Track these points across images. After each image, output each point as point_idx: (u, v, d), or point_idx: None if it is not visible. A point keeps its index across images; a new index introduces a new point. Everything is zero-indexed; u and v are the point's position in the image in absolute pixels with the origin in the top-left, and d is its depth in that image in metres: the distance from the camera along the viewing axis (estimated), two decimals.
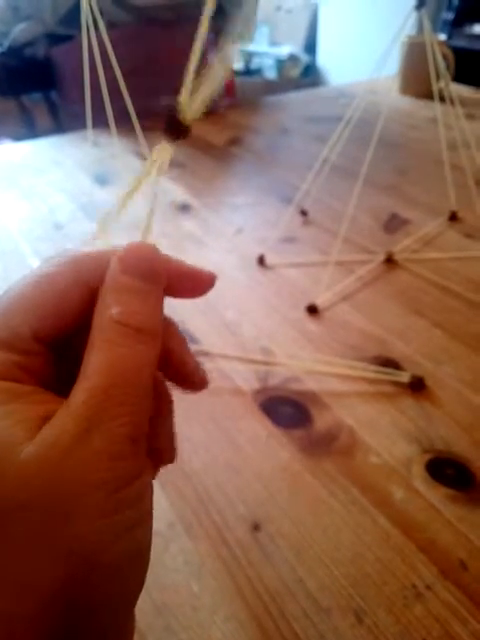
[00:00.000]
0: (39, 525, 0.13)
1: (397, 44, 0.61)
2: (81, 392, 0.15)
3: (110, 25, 1.13)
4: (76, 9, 1.18)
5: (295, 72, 2.88)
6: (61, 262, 0.18)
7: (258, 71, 2.91)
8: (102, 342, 0.15)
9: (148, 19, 1.09)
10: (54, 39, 1.13)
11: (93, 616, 0.14)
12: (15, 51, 1.16)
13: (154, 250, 0.17)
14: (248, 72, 2.91)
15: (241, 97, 1.95)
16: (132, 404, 0.15)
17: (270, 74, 2.89)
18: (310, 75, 2.95)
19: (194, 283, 0.19)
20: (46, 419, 0.14)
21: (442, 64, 0.77)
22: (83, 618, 0.14)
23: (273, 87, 2.75)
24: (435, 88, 0.65)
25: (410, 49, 1.15)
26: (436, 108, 0.62)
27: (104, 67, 0.85)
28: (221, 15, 1.23)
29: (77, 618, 0.14)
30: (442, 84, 1.16)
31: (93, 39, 0.83)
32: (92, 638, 0.14)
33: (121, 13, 1.09)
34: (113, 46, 1.04)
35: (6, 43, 1.16)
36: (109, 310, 0.16)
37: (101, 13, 1.15)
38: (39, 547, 0.13)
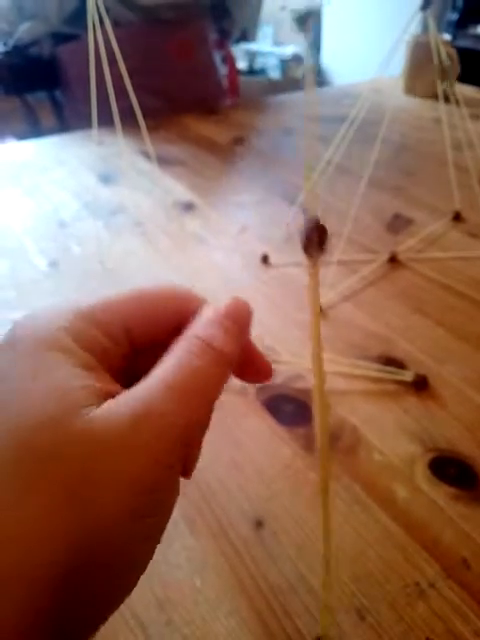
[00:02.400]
0: (65, 486, 0.13)
1: (402, 44, 0.61)
2: (149, 381, 0.16)
3: (115, 24, 1.13)
4: (81, 8, 1.19)
5: (299, 72, 2.88)
6: (163, 286, 0.20)
7: (262, 71, 2.91)
8: (182, 351, 0.17)
9: (152, 18, 1.09)
10: (59, 38, 1.13)
11: (78, 605, 0.14)
12: (20, 50, 1.16)
13: (251, 310, 0.20)
14: (252, 72, 2.91)
15: (245, 96, 1.96)
16: (190, 409, 0.16)
17: (274, 74, 2.89)
18: (315, 75, 2.95)
19: (257, 368, 0.21)
20: (108, 395, 0.15)
21: (447, 64, 0.77)
22: (70, 603, 0.14)
23: (277, 87, 2.76)
24: (439, 88, 0.65)
25: (415, 49, 1.15)
26: (440, 108, 0.62)
27: (109, 66, 0.85)
28: (225, 15, 1.23)
29: (67, 602, 0.14)
30: (446, 84, 1.16)
31: (99, 38, 0.83)
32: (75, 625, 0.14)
33: (126, 12, 1.09)
34: (118, 45, 1.04)
35: (11, 42, 1.16)
36: (197, 333, 0.17)
37: (107, 12, 1.15)
38: (56, 509, 0.13)
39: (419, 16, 0.58)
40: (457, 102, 0.64)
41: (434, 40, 0.53)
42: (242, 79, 2.68)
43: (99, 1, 0.65)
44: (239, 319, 0.19)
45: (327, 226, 0.16)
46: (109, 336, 0.17)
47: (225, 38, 1.25)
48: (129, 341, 0.18)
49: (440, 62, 0.62)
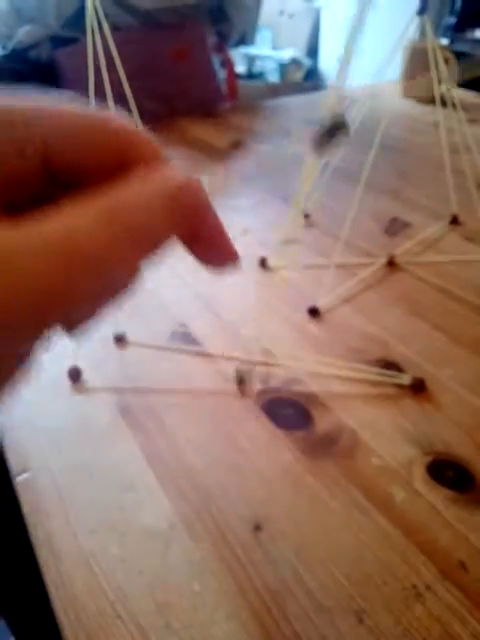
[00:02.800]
0: None
1: (399, 48, 0.61)
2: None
3: (114, 28, 1.13)
4: (80, 12, 1.19)
5: (297, 76, 2.88)
6: (111, 119, 0.15)
7: (261, 74, 2.92)
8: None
9: (151, 22, 1.09)
10: (58, 42, 1.13)
11: None
12: (19, 53, 1.16)
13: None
14: (251, 75, 2.92)
15: (244, 100, 1.96)
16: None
17: (273, 77, 2.89)
18: (312, 79, 2.96)
19: (218, 250, 0.17)
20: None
21: (444, 69, 0.77)
22: None
23: (275, 90, 2.76)
24: (437, 92, 0.65)
25: (412, 53, 1.16)
26: (438, 112, 0.62)
27: (108, 70, 0.86)
28: (224, 19, 1.23)
29: None
30: (444, 88, 1.16)
31: (97, 42, 0.83)
32: None
33: (125, 16, 1.10)
34: (117, 49, 1.05)
35: (10, 45, 1.17)
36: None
37: (105, 16, 1.15)
38: None
39: (416, 21, 0.58)
40: (454, 106, 0.64)
41: (431, 45, 0.54)
42: (241, 83, 2.68)
43: (97, 5, 0.65)
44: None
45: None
46: (19, 149, 0.14)
47: (224, 42, 1.25)
48: (44, 162, 0.14)
49: (437, 67, 0.62)
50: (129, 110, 0.90)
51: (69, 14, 1.11)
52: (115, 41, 1.05)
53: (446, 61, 1.13)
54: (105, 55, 0.88)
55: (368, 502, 0.33)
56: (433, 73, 0.62)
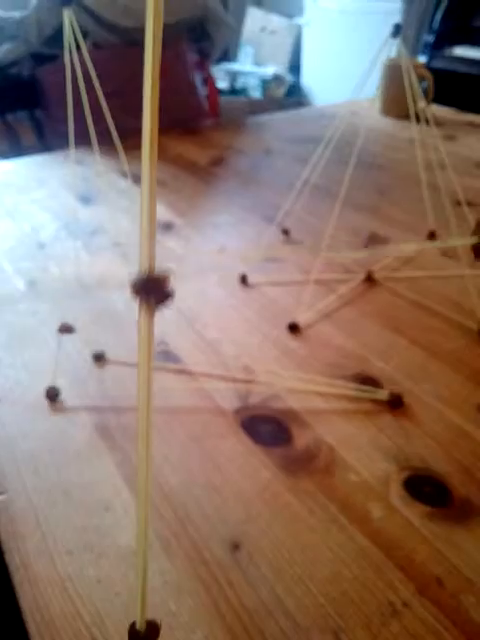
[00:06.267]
0: None
1: (377, 66, 0.62)
2: None
3: (95, 46, 1.15)
4: (60, 30, 1.20)
5: (280, 92, 2.92)
6: None
7: (243, 90, 2.95)
8: None
9: (132, 40, 1.10)
10: (39, 59, 1.14)
11: None
12: (0, 70, 1.16)
13: None
14: (233, 91, 2.95)
15: (226, 116, 1.98)
16: None
17: (255, 93, 2.93)
18: (294, 94, 3.00)
19: None
20: None
21: (418, 87, 0.79)
22: None
23: (258, 106, 2.79)
24: (412, 111, 0.66)
25: (390, 71, 1.18)
26: (413, 129, 0.63)
27: (88, 87, 0.86)
28: (204, 37, 1.25)
29: None
30: (421, 105, 1.19)
31: (76, 60, 0.84)
32: None
33: (105, 34, 1.11)
34: (97, 66, 1.05)
35: None
36: None
37: (86, 34, 1.17)
38: None
39: (391, 43, 0.60)
40: (427, 122, 0.66)
41: (405, 66, 0.55)
42: (224, 98, 2.71)
43: (75, 23, 0.65)
44: None
45: (167, 282, 0.16)
46: None
47: (205, 59, 1.26)
48: None
49: (412, 87, 0.64)
50: (108, 126, 0.90)
51: (49, 32, 1.12)
52: (96, 59, 1.06)
53: (423, 79, 1.15)
54: (84, 72, 0.89)
55: (346, 519, 0.33)
56: (408, 93, 0.63)
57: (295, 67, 3.03)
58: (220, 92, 2.71)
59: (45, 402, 0.42)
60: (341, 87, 2.77)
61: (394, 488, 0.35)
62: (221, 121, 1.23)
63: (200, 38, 1.24)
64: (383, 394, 0.41)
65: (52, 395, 0.42)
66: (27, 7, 1.12)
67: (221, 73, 2.93)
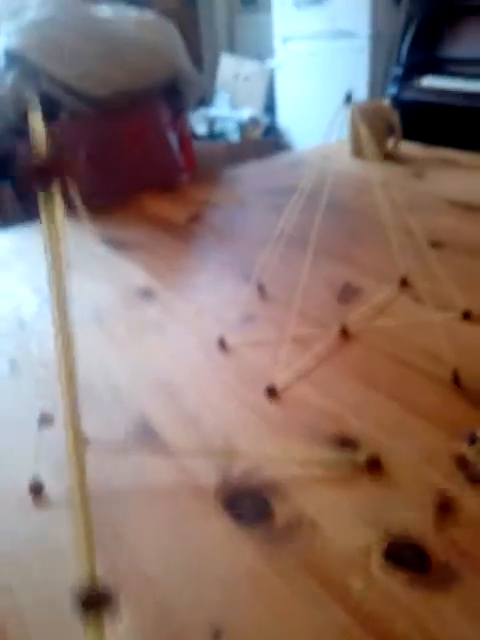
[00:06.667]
0: None
1: (343, 114, 0.64)
2: None
3: (71, 115, 1.18)
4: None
5: (257, 133, 2.99)
6: None
7: (222, 134, 3.02)
8: None
9: (106, 108, 1.14)
10: (18, 132, 1.18)
11: None
12: None
13: None
14: (212, 136, 3.02)
15: (205, 162, 2.02)
16: None
17: (233, 136, 3.00)
18: (271, 135, 3.07)
19: None
20: None
21: (392, 128, 0.81)
22: None
23: (236, 149, 2.86)
24: (375, 155, 0.66)
25: (360, 114, 1.21)
26: (376, 174, 0.65)
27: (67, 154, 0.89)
28: (177, 96, 1.29)
29: None
30: (390, 146, 1.22)
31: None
32: None
33: (81, 104, 1.14)
34: (73, 135, 1.10)
35: None
36: None
37: (60, 105, 1.20)
38: None
39: (345, 108, 0.62)
40: (396, 161, 0.67)
41: (364, 134, 0.57)
42: (203, 144, 2.78)
43: (34, 108, 0.68)
44: None
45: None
46: None
47: (178, 117, 1.31)
48: None
49: (367, 146, 0.65)
50: (88, 192, 0.93)
51: (26, 107, 1.15)
52: (71, 128, 1.11)
53: (389, 120, 1.19)
54: (60, 142, 0.92)
55: (328, 595, 0.33)
56: (367, 151, 0.65)
57: (270, 108, 3.12)
58: (198, 138, 2.78)
59: (29, 497, 0.42)
60: (315, 124, 2.84)
61: (375, 558, 0.35)
62: (198, 174, 1.27)
63: (172, 97, 1.28)
64: (361, 456, 0.42)
65: (36, 489, 0.43)
66: (2, 86, 1.16)
67: (200, 118, 3.01)
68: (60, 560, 0.37)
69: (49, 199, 0.18)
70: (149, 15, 1.36)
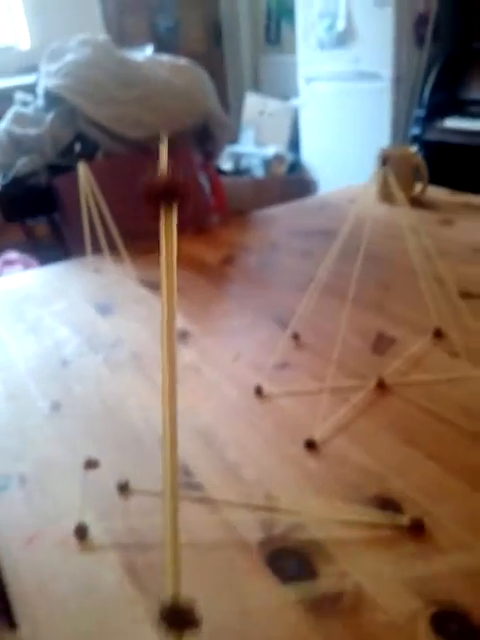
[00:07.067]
0: None
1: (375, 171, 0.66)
2: None
3: (106, 155, 1.22)
4: (73, 143, 1.28)
5: (281, 169, 3.04)
6: None
7: (247, 170, 3.08)
8: None
9: (140, 149, 1.18)
10: (54, 169, 1.22)
11: None
12: (19, 181, 1.24)
13: None
14: (238, 172, 3.08)
15: (233, 197, 2.06)
16: None
17: (258, 172, 3.05)
18: (296, 171, 3.12)
19: None
20: None
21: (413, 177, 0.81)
22: None
23: (262, 184, 2.91)
24: (401, 199, 0.67)
25: (387, 160, 1.24)
26: (408, 218, 0.66)
27: (103, 195, 0.92)
28: (208, 138, 1.33)
29: None
30: (417, 191, 1.24)
31: (90, 177, 0.90)
32: None
33: (116, 145, 1.18)
34: (109, 174, 1.13)
35: (10, 174, 1.25)
36: None
37: (97, 146, 1.25)
38: None
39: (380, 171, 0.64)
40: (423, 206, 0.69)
41: (394, 188, 0.58)
42: (229, 179, 2.84)
43: (91, 177, 0.72)
44: None
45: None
46: None
47: (209, 159, 1.34)
48: None
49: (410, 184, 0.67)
50: (127, 231, 0.96)
51: (63, 145, 1.20)
52: (107, 168, 1.14)
53: (417, 167, 1.21)
54: (99, 182, 0.95)
55: None
56: (397, 198, 0.66)
57: (294, 145, 3.17)
58: (224, 173, 2.84)
59: (74, 542, 0.43)
60: (339, 161, 2.88)
61: (421, 627, 0.35)
62: (228, 216, 1.29)
63: (203, 139, 1.32)
64: (404, 519, 0.42)
65: (81, 533, 0.44)
66: (42, 124, 1.20)
67: (226, 155, 3.08)
68: (103, 601, 0.38)
69: (170, 217, 0.20)
70: (181, 61, 1.41)
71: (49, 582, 0.41)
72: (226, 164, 2.99)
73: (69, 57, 1.30)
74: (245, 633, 0.36)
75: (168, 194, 0.19)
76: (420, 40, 2.67)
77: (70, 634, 0.37)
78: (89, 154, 1.23)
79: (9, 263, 1.46)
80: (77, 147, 0.60)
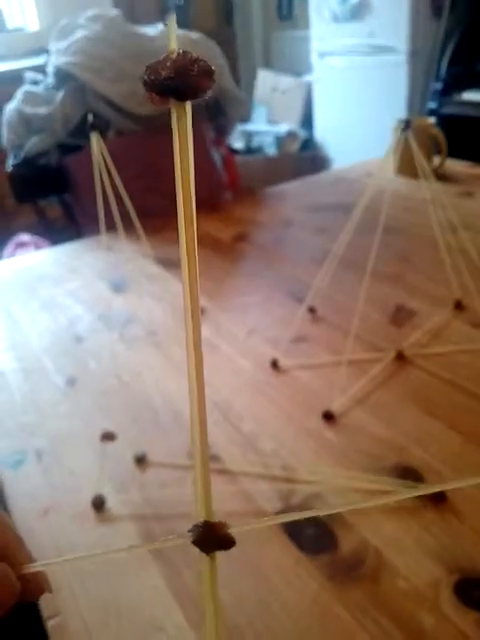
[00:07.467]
0: None
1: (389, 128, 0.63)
2: None
3: (118, 133, 1.21)
4: (84, 122, 1.27)
5: (294, 147, 3.00)
6: None
7: (259, 149, 3.04)
8: None
9: (151, 125, 1.16)
10: (65, 149, 1.21)
11: None
12: (30, 161, 1.23)
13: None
14: (250, 151, 3.04)
15: (245, 175, 2.04)
16: None
17: (270, 150, 3.01)
18: (309, 148, 3.08)
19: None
20: None
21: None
22: None
23: (274, 163, 2.87)
24: (423, 172, 0.65)
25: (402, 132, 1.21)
26: (426, 191, 0.64)
27: (113, 173, 0.91)
28: (221, 114, 1.31)
29: None
30: (436, 164, 1.21)
31: (103, 149, 0.89)
32: None
33: (127, 122, 1.17)
34: (121, 152, 1.12)
35: (22, 154, 1.24)
36: None
37: (109, 123, 1.23)
38: None
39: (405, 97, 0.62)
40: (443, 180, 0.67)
41: (418, 158, 0.57)
42: (241, 158, 2.80)
43: (102, 144, 0.71)
44: None
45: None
46: None
47: (222, 135, 1.32)
48: None
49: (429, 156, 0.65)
50: (138, 208, 0.95)
51: (74, 124, 1.18)
52: (118, 146, 1.13)
53: (435, 139, 1.18)
54: (111, 159, 0.94)
55: (398, 630, 0.33)
56: (420, 170, 0.64)
57: (307, 122, 3.12)
58: (236, 152, 2.81)
59: (92, 513, 0.43)
60: (353, 138, 2.83)
61: (444, 594, 0.35)
62: (242, 192, 1.28)
63: (216, 116, 1.30)
64: (425, 487, 0.41)
65: (98, 504, 0.44)
66: (52, 103, 1.19)
67: (237, 134, 3.04)
68: (120, 573, 0.38)
69: (182, 112, 0.16)
70: (194, 35, 1.38)
71: (66, 552, 0.40)
72: (237, 143, 2.95)
73: (79, 34, 1.28)
74: (265, 602, 0.36)
75: (178, 86, 0.15)
76: (437, 11, 2.59)
77: (89, 604, 0.37)
78: (100, 131, 1.22)
79: (22, 245, 1.46)
80: (90, 118, 0.58)
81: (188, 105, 0.17)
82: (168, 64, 0.16)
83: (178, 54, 0.16)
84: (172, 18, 0.16)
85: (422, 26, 2.61)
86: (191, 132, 0.17)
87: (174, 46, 0.16)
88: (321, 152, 3.03)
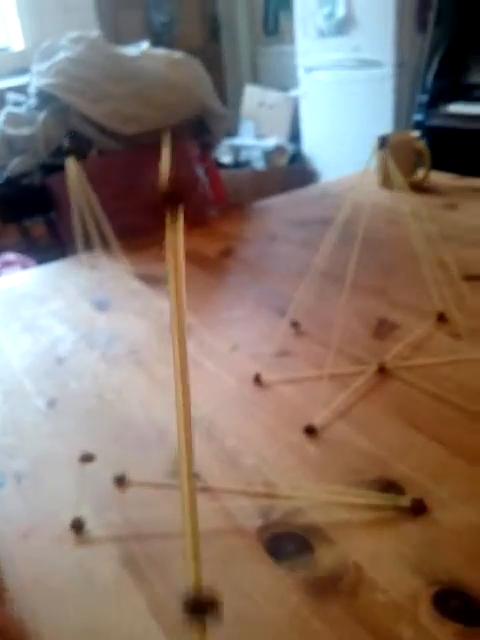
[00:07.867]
0: None
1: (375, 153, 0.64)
2: None
3: (100, 153, 1.22)
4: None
5: (282, 161, 3.03)
6: None
7: (247, 163, 3.07)
8: None
9: (135, 145, 1.17)
10: (48, 169, 1.21)
11: None
12: (13, 181, 1.24)
13: None
14: (237, 165, 3.07)
15: (233, 190, 2.05)
16: None
17: (258, 164, 3.04)
18: (297, 162, 3.11)
19: None
20: None
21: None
22: None
23: (262, 177, 2.90)
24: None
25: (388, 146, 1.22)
26: (407, 203, 0.65)
27: (95, 191, 0.92)
28: (205, 131, 1.32)
29: None
30: (420, 176, 1.22)
31: (80, 172, 0.90)
32: None
33: (110, 142, 1.18)
34: (103, 172, 1.13)
35: (4, 174, 1.25)
36: None
37: (91, 143, 1.24)
38: None
39: (391, 118, 0.63)
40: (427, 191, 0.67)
41: (391, 167, 0.58)
42: (229, 172, 2.83)
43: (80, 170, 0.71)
44: None
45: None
46: None
47: (207, 152, 1.33)
48: None
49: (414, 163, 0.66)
50: (122, 226, 0.95)
51: (56, 144, 1.19)
52: (100, 164, 1.14)
53: (419, 152, 1.19)
54: (91, 179, 0.95)
55: None
56: (395, 182, 0.65)
57: (295, 136, 3.16)
58: (224, 166, 2.82)
59: (71, 535, 0.43)
60: (341, 151, 2.86)
61: (423, 606, 0.35)
62: (226, 207, 1.28)
63: (200, 132, 1.31)
64: (405, 501, 0.42)
65: (77, 526, 0.43)
66: (34, 124, 1.20)
67: (225, 148, 3.07)
68: (101, 593, 0.38)
69: (176, 222, 0.19)
70: (177, 54, 1.40)
71: (46, 575, 0.40)
72: (225, 157, 2.98)
73: (60, 55, 1.29)
74: (245, 617, 0.35)
75: (173, 198, 0.18)
76: (422, 25, 2.63)
77: (69, 626, 0.37)
78: (82, 152, 1.23)
79: (8, 264, 1.46)
80: (65, 142, 0.59)
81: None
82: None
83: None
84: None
85: (408, 40, 2.65)
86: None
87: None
88: (310, 166, 3.06)
